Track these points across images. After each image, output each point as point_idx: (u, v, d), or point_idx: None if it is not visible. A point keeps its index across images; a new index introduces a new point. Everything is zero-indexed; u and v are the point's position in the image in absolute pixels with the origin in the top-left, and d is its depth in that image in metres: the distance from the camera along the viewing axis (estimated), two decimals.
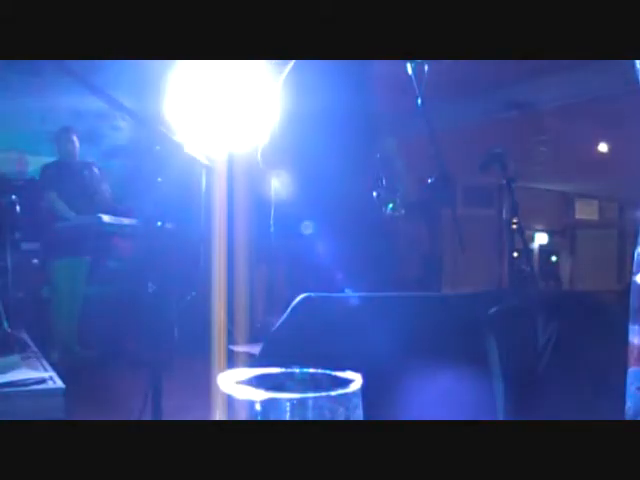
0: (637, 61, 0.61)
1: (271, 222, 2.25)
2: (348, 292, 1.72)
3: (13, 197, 4.23)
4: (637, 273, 0.56)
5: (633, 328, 0.56)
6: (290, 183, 2.16)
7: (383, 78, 2.12)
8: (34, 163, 5.49)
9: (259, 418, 0.39)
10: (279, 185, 2.20)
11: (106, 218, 4.27)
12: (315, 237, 2.07)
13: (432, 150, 2.40)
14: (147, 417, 2.00)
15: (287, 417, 0.39)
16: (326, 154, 2.05)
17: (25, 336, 2.77)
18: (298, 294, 1.32)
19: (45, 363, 2.15)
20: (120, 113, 5.46)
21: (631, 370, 0.57)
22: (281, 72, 2.12)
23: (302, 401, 0.39)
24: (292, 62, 2.10)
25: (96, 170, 4.78)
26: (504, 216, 7.77)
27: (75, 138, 4.63)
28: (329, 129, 2.03)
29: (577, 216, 11.38)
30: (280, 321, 1.31)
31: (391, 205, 2.26)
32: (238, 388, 0.40)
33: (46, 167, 4.63)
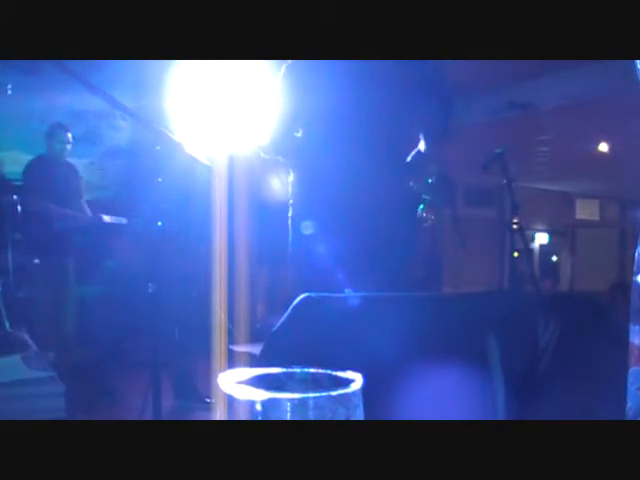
0: (637, 61, 0.61)
1: (285, 220, 2.23)
2: (348, 292, 1.72)
3: (14, 197, 4.23)
4: (638, 273, 0.56)
5: (634, 328, 0.56)
6: (297, 180, 2.14)
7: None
8: None
9: (260, 418, 0.39)
10: (286, 182, 2.19)
11: (106, 218, 4.27)
12: (319, 236, 2.06)
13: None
14: (147, 417, 2.00)
15: (288, 417, 0.39)
16: (337, 155, 2.04)
17: (25, 336, 2.77)
18: (300, 294, 1.32)
19: (46, 363, 2.15)
20: (120, 113, 5.46)
21: (632, 370, 0.57)
22: (282, 68, 2.11)
23: (303, 401, 0.39)
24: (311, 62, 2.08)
25: (78, 172, 4.69)
26: (504, 216, 7.77)
27: (70, 137, 4.55)
28: (345, 128, 2.01)
29: (578, 216, 11.38)
30: (280, 321, 1.31)
31: (422, 206, 2.22)
32: (238, 388, 0.40)
33: (29, 167, 4.47)
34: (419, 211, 2.23)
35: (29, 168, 4.48)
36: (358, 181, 2.01)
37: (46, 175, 4.37)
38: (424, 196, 2.23)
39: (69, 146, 4.51)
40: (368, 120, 2.01)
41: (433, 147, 2.23)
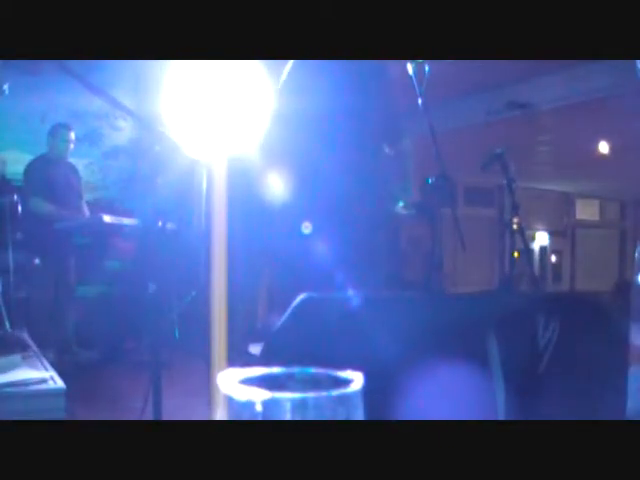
0: (638, 61, 0.61)
1: (273, 222, 2.23)
2: (349, 292, 1.72)
3: (14, 197, 4.23)
4: (638, 273, 0.56)
5: (634, 328, 0.57)
6: (290, 183, 2.15)
7: (392, 77, 2.11)
8: None
9: (260, 418, 0.39)
10: (280, 185, 2.19)
11: (106, 218, 4.27)
12: (316, 237, 2.07)
13: (433, 150, 2.39)
14: (147, 417, 2.00)
15: (288, 417, 0.39)
16: (327, 154, 2.04)
17: (26, 336, 2.77)
18: (298, 294, 1.32)
19: (46, 363, 2.15)
20: (120, 113, 5.45)
21: (632, 370, 0.57)
22: (281, 71, 2.12)
23: (303, 401, 0.39)
24: (291, 62, 2.09)
25: (79, 172, 4.70)
26: (504, 216, 7.77)
27: (72, 137, 4.54)
28: (332, 129, 2.02)
29: (578, 216, 11.38)
30: (281, 321, 1.31)
31: (402, 203, 2.24)
32: (238, 388, 0.40)
33: (30, 167, 4.50)
34: (398, 207, 2.24)
35: (31, 167, 4.48)
36: (332, 184, 2.02)
37: (48, 175, 4.37)
38: (407, 193, 2.25)
39: (72, 146, 4.52)
40: (348, 121, 2.02)
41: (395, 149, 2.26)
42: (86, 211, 4.61)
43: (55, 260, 4.33)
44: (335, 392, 0.40)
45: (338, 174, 2.02)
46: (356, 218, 2.04)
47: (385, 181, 2.21)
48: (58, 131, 4.46)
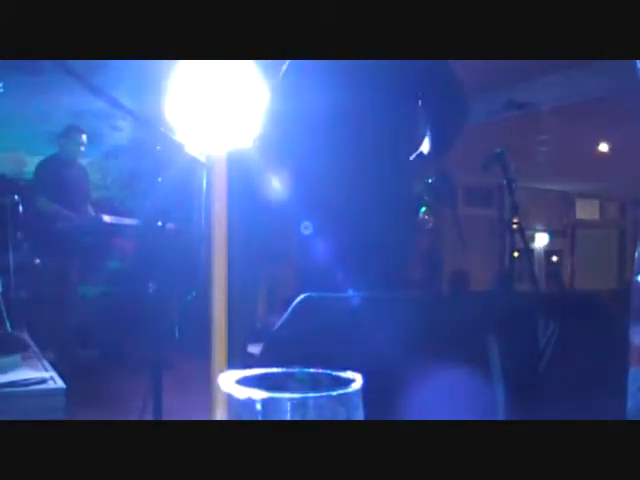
0: (638, 61, 0.61)
1: (271, 221, 2.22)
2: (349, 292, 1.72)
3: (15, 197, 4.23)
4: (638, 273, 0.56)
5: (634, 328, 0.57)
6: (291, 181, 2.14)
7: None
8: (34, 163, 5.49)
9: (260, 418, 0.39)
10: (283, 184, 2.18)
11: (107, 218, 4.27)
12: (317, 236, 2.06)
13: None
14: (147, 417, 2.00)
15: (288, 417, 0.39)
16: (338, 153, 2.03)
17: (26, 336, 2.77)
18: (299, 294, 1.32)
19: (46, 363, 2.15)
20: (120, 113, 5.45)
21: (632, 370, 0.57)
22: (281, 69, 2.11)
23: (303, 401, 0.39)
24: (288, 61, 2.08)
25: (86, 172, 4.72)
26: (504, 216, 7.77)
27: (84, 139, 4.55)
28: (343, 128, 2.00)
29: (578, 216, 11.38)
30: (281, 321, 1.31)
31: (424, 209, 2.20)
32: (238, 388, 0.40)
33: (40, 167, 4.52)
34: (420, 214, 2.21)
35: (41, 167, 4.49)
36: (353, 182, 2.00)
37: (57, 176, 4.38)
38: (425, 197, 2.22)
39: (83, 148, 4.52)
40: (363, 121, 2.00)
41: (434, 150, 2.23)
42: (91, 213, 4.62)
43: (56, 260, 4.33)
44: (335, 392, 0.40)
45: (345, 174, 2.01)
46: (362, 218, 2.02)
47: (402, 183, 2.16)
48: (71, 133, 4.47)
